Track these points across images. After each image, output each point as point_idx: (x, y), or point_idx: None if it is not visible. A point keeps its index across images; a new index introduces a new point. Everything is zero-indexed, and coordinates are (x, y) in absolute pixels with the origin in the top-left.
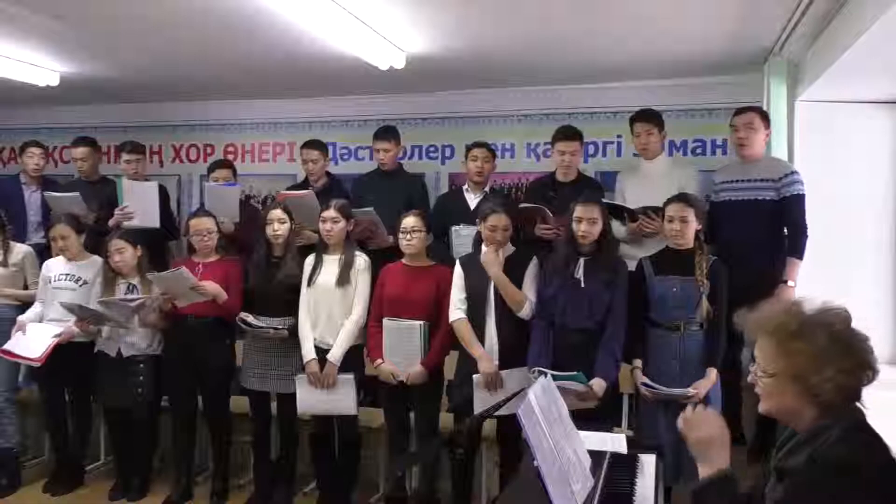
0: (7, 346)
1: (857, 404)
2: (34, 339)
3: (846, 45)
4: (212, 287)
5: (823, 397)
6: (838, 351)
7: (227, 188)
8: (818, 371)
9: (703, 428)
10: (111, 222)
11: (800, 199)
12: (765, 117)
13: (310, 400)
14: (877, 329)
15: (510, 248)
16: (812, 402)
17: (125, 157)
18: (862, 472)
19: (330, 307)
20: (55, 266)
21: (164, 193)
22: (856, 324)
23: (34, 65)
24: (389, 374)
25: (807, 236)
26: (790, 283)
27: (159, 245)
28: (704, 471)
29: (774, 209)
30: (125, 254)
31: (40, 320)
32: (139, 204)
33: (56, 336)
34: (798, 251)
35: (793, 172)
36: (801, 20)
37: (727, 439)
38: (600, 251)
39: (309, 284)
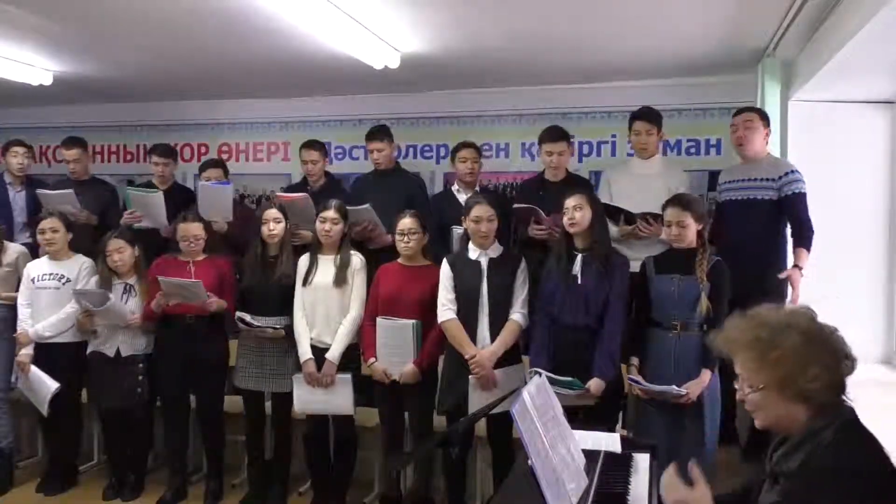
0: None
1: (845, 399)
2: (33, 392)
3: (839, 45)
4: (217, 304)
5: (814, 397)
6: (816, 347)
7: (220, 187)
8: (803, 371)
9: (678, 491)
10: (122, 222)
11: (801, 196)
12: (764, 117)
13: (307, 399)
14: (870, 329)
15: (498, 249)
16: (803, 404)
17: (154, 158)
18: (854, 475)
19: (327, 307)
20: (38, 267)
21: (185, 195)
22: (843, 325)
23: (27, 64)
24: (382, 373)
25: (813, 231)
26: (802, 269)
27: (160, 244)
28: None
29: (774, 208)
30: (124, 253)
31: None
32: (146, 210)
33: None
34: (806, 244)
35: (793, 171)
36: (795, 20)
37: (706, 497)
38: (595, 246)
39: (305, 284)
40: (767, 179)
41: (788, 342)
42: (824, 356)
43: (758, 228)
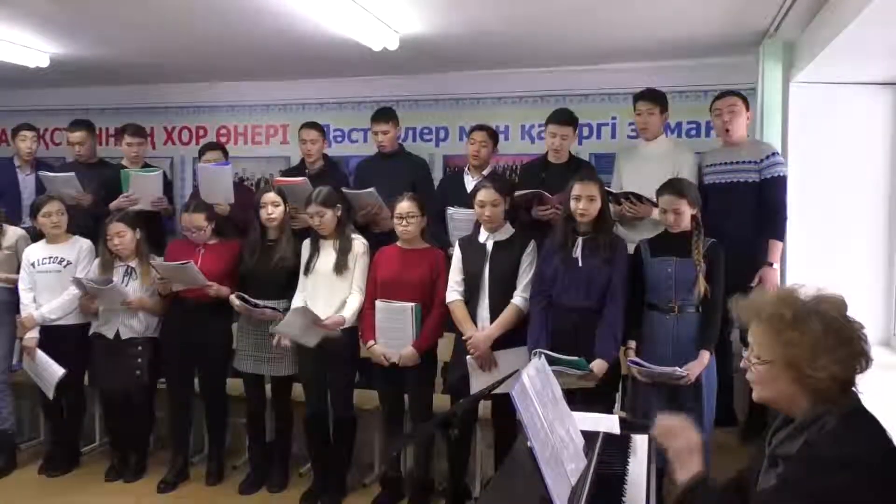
0: None
1: (853, 389)
2: (39, 376)
3: (841, 26)
4: (217, 291)
5: (817, 386)
6: (833, 341)
7: (220, 168)
8: (813, 361)
9: (682, 437)
10: (113, 205)
11: (780, 180)
12: (745, 101)
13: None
14: (870, 311)
15: (509, 230)
16: (806, 390)
17: (127, 139)
18: (857, 465)
19: (328, 293)
20: (36, 251)
21: (164, 179)
22: (850, 309)
23: (23, 45)
24: (381, 356)
25: (785, 218)
26: (774, 265)
27: (156, 224)
28: (683, 475)
29: (757, 191)
30: (125, 237)
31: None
32: (144, 193)
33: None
34: (777, 233)
35: (774, 154)
36: (796, 2)
37: (699, 445)
38: (598, 230)
39: (307, 273)
40: (750, 162)
41: (807, 327)
42: (838, 351)
43: (744, 212)
